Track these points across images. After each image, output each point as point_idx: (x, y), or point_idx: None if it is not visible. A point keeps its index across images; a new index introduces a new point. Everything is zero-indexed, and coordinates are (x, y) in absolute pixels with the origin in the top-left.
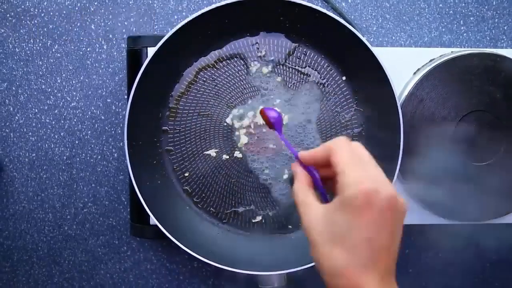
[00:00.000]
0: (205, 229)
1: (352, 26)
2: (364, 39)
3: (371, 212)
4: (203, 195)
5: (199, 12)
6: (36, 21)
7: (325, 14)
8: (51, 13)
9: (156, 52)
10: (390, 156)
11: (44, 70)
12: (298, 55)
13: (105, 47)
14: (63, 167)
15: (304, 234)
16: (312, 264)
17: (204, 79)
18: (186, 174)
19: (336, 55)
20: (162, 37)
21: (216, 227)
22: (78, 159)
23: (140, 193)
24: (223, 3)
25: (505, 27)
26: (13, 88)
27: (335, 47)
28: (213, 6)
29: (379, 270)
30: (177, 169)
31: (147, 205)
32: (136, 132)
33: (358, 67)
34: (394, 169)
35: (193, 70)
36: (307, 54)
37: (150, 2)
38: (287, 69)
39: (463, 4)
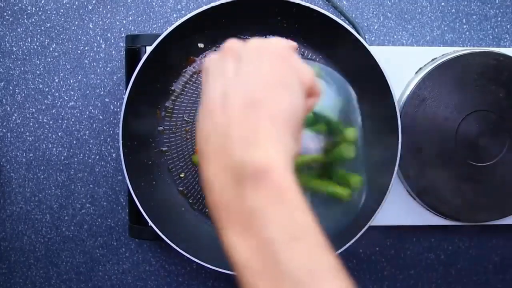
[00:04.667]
0: (200, 230)
1: (352, 24)
2: (360, 38)
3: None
4: (199, 196)
5: (196, 12)
6: (33, 20)
7: (321, 13)
8: (49, 12)
9: (152, 51)
10: (389, 156)
11: (41, 69)
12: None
13: (103, 46)
14: (61, 168)
15: None
16: None
17: (201, 79)
18: (182, 175)
19: (334, 55)
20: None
21: (210, 228)
22: (76, 159)
23: (135, 194)
24: (219, 2)
25: (508, 26)
26: (10, 87)
27: (333, 46)
28: (210, 5)
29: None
30: (172, 170)
31: (142, 207)
32: (131, 132)
33: (355, 66)
34: (392, 169)
35: (190, 70)
36: (305, 54)
37: (149, 0)
38: None
39: (466, 3)
